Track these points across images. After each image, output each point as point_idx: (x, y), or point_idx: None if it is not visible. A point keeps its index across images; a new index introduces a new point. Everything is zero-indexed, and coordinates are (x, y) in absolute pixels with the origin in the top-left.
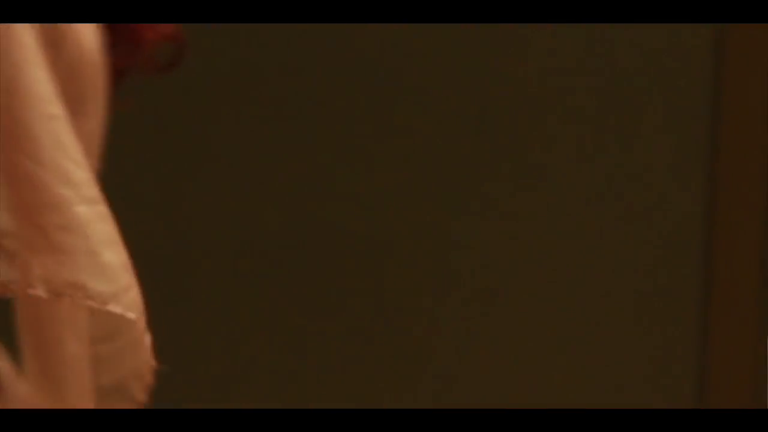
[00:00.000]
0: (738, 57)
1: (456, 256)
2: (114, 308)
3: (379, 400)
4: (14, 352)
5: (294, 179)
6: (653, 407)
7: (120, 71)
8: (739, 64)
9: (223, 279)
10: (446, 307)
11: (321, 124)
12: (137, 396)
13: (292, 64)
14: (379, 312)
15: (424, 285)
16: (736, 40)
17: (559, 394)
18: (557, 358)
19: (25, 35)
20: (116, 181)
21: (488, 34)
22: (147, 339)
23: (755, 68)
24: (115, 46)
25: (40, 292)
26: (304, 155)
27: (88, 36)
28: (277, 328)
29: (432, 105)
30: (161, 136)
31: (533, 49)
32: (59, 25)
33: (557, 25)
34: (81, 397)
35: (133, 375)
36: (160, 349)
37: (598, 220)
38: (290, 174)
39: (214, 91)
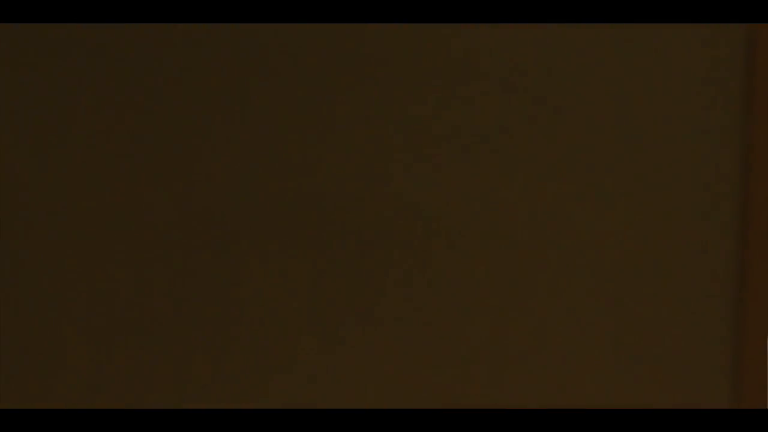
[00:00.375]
0: None
1: (487, 253)
2: None
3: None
4: (15, 351)
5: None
6: (687, 407)
7: None
8: None
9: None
10: (474, 302)
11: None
12: None
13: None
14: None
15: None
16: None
17: (591, 393)
18: (589, 357)
19: None
20: (116, 180)
21: (533, 29)
22: None
23: None
24: None
25: None
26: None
27: None
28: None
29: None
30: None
31: (578, 48)
32: None
33: (609, 24)
34: None
35: None
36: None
37: (633, 218)
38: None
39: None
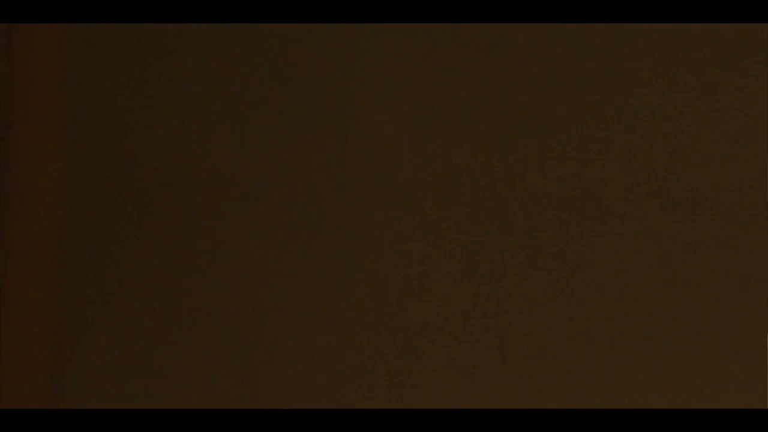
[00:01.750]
0: None
1: (532, 261)
2: None
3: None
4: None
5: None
6: (722, 407)
7: None
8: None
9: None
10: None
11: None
12: None
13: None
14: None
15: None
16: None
17: (627, 394)
18: (625, 357)
19: None
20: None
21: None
22: None
23: None
24: None
25: None
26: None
27: None
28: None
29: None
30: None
31: (617, 48)
32: None
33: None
34: None
35: None
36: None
37: (663, 222)
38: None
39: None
